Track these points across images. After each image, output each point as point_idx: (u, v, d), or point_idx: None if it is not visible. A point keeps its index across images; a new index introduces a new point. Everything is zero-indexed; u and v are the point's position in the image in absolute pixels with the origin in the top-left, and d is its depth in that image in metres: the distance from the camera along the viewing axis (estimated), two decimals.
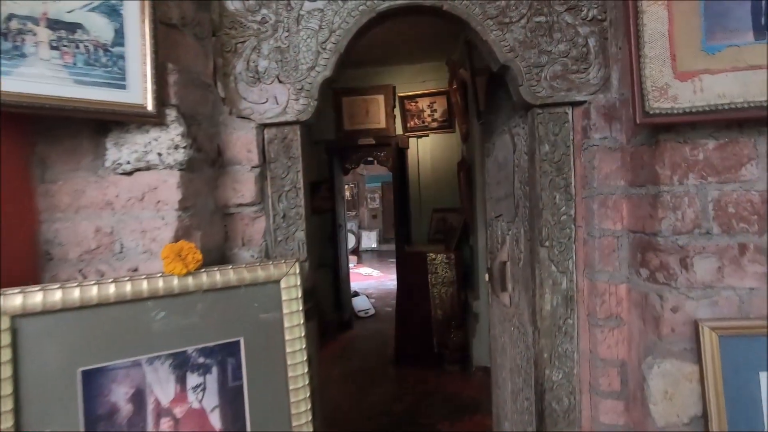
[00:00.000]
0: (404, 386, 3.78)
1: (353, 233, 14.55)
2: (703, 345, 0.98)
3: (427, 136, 5.05)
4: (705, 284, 1.01)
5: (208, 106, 1.20)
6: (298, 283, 1.15)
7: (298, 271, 1.15)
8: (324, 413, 1.52)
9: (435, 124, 4.98)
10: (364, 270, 10.11)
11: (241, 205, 1.23)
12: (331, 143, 5.13)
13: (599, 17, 1.21)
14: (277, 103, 1.23)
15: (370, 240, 14.79)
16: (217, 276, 1.06)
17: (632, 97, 0.95)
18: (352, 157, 5.29)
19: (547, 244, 1.24)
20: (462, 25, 1.26)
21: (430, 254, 4.02)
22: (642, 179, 1.08)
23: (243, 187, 1.22)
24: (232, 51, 1.24)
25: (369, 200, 15.24)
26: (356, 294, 6.31)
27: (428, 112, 4.96)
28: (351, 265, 10.94)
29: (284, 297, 1.14)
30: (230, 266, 1.08)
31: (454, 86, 4.31)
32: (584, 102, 1.21)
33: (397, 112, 5.04)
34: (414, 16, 1.35)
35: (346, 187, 15.24)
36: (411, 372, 4.05)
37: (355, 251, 14.28)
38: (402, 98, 4.96)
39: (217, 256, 1.20)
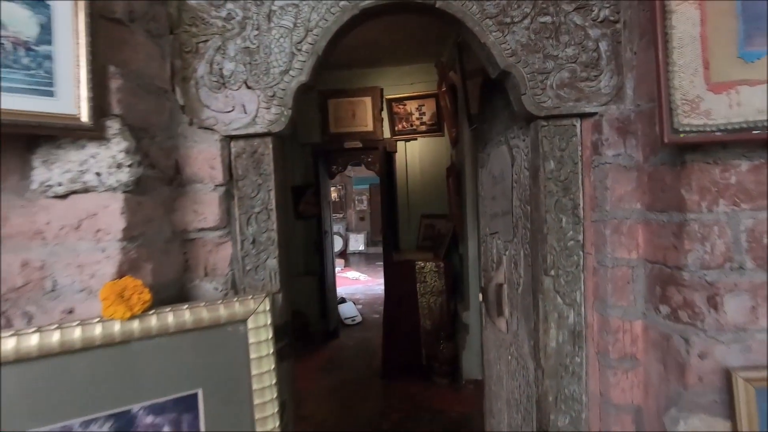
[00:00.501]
0: (391, 401, 3.63)
1: (341, 236, 14.37)
2: (737, 399, 0.84)
3: (416, 139, 4.91)
4: (737, 326, 0.88)
5: (164, 115, 1.03)
6: (269, 321, 0.99)
7: (268, 307, 0.99)
8: None
9: (423, 128, 4.85)
10: (352, 274, 9.94)
11: (203, 229, 1.06)
12: (317, 146, 4.96)
13: (611, 18, 1.07)
14: (245, 112, 1.06)
15: (357, 243, 14.62)
16: (170, 318, 0.89)
17: (659, 112, 0.81)
18: (338, 161, 5.13)
19: (552, 273, 1.09)
20: (457, 25, 1.11)
21: (419, 262, 3.88)
22: (663, 204, 0.95)
23: (205, 208, 1.05)
24: (193, 51, 1.07)
25: (357, 202, 15.08)
26: (343, 300, 6.14)
27: (416, 115, 4.82)
28: (338, 269, 10.77)
29: (252, 339, 0.97)
30: (186, 305, 0.92)
31: (443, 89, 4.18)
32: (594, 114, 1.07)
33: (384, 114, 4.89)
34: (402, 15, 1.20)
35: (333, 189, 15.07)
36: (399, 385, 3.90)
37: (343, 254, 14.10)
38: (390, 101, 4.82)
39: (175, 290, 1.03)
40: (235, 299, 0.97)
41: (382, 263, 11.32)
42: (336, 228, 14.62)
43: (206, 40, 1.07)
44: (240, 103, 1.06)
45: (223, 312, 0.94)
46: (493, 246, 1.69)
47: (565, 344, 1.10)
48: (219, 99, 1.06)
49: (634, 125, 1.03)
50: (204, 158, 1.05)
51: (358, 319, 5.81)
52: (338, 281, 8.88)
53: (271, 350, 0.99)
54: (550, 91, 1.06)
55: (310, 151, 4.99)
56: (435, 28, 3.55)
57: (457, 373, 3.90)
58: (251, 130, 1.07)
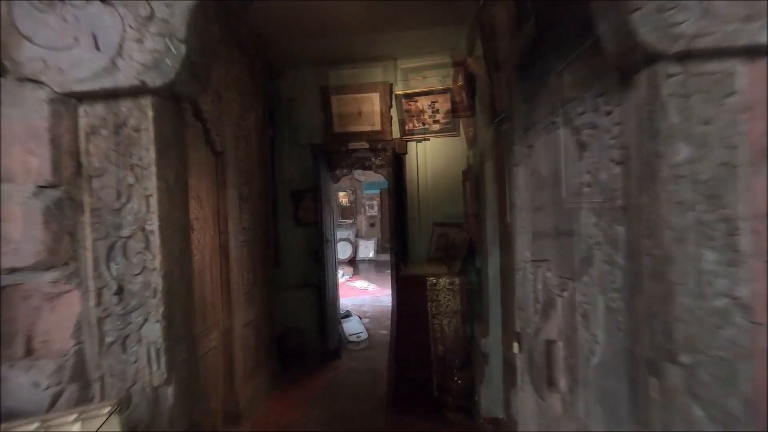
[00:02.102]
0: None
1: (350, 242, 13.90)
2: None
3: (428, 140, 4.39)
4: None
5: None
6: None
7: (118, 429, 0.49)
8: None
9: (437, 127, 4.33)
10: (360, 283, 9.43)
11: (16, 270, 0.57)
12: (318, 147, 4.47)
13: None
14: (99, 48, 0.57)
15: (367, 249, 14.12)
16: None
17: None
18: (342, 163, 4.63)
19: (684, 359, 0.57)
20: None
21: (431, 278, 3.34)
22: None
23: (16, 230, 0.56)
24: None
25: (367, 207, 14.60)
26: (348, 315, 5.62)
27: (429, 112, 4.31)
28: (346, 277, 10.27)
29: None
30: None
31: (460, 83, 3.67)
32: None
33: (393, 112, 4.39)
34: None
35: (343, 194, 14.62)
36: (405, 420, 3.36)
37: (352, 261, 13.61)
38: (399, 97, 4.31)
39: None
40: (71, 414, 0.47)
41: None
42: (345, 234, 14.17)
43: None
44: (88, 32, 0.56)
45: None
46: (538, 279, 1.16)
47: None
48: (50, 23, 0.57)
49: None
50: (17, 137, 0.55)
51: (364, 336, 5.28)
52: (345, 291, 8.40)
53: None
54: (693, 5, 0.54)
55: (310, 152, 4.51)
56: None
57: (474, 409, 3.35)
58: (109, 83, 0.56)
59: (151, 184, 0.60)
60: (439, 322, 3.31)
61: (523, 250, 1.30)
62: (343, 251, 13.67)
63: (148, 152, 0.60)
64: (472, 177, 3.34)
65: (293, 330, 4.33)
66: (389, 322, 6.18)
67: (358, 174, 14.43)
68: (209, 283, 2.71)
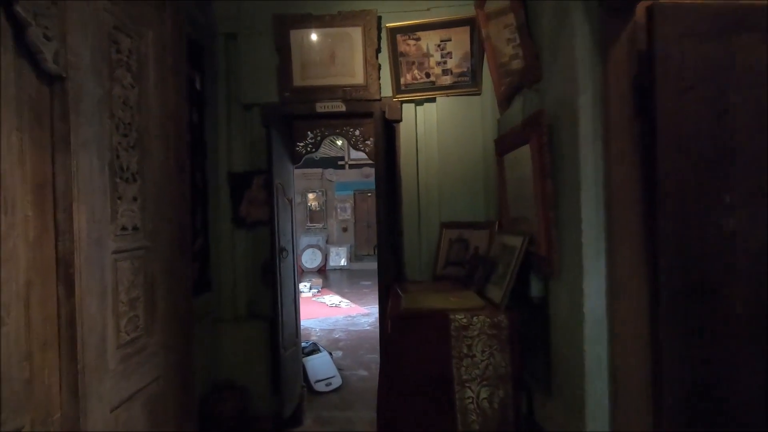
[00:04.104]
0: None
1: (320, 249, 12.37)
2: None
3: (433, 100, 3.00)
4: None
5: None
6: None
7: None
8: None
9: (448, 80, 2.94)
10: (330, 299, 7.91)
11: None
12: (271, 110, 3.00)
13: None
14: None
15: (339, 257, 12.65)
16: None
17: None
18: (306, 133, 3.16)
19: None
20: None
21: (458, 315, 1.93)
22: None
23: None
24: None
25: (339, 211, 13.12)
26: (313, 350, 4.13)
27: (437, 57, 2.92)
28: (314, 291, 8.73)
29: None
30: None
31: (487, 9, 2.31)
32: None
33: (383, 57, 2.98)
34: None
35: (312, 195, 13.07)
36: None
37: (321, 271, 12.08)
38: (393, 32, 2.90)
39: None
40: None
41: (368, 282, 9.32)
42: (315, 240, 12.61)
43: None
44: None
45: None
46: None
47: None
48: None
49: None
50: None
51: (337, 382, 3.81)
52: (312, 310, 6.86)
53: None
54: None
55: (260, 117, 3.03)
56: None
57: None
58: None
59: None
60: (473, 393, 1.89)
61: None
62: (312, 260, 12.12)
63: None
64: (524, 139, 1.96)
65: (230, 389, 2.80)
66: (369, 356, 4.69)
67: (329, 174, 12.94)
68: (13, 337, 1.21)
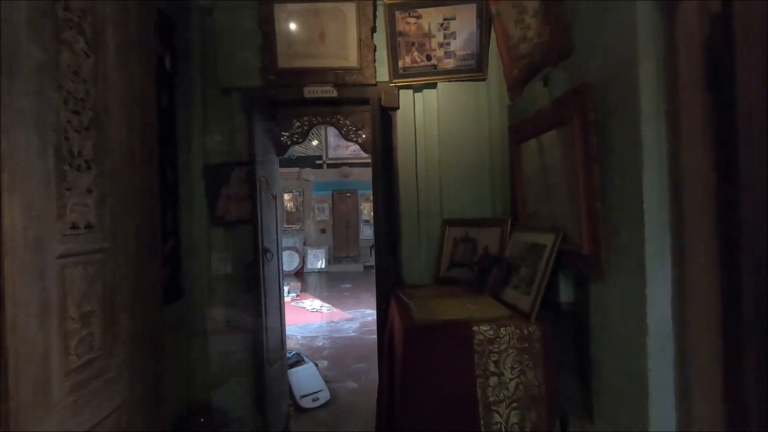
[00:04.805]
0: None
1: (297, 251, 11.94)
2: None
3: (434, 86, 2.73)
4: None
5: None
6: None
7: None
8: None
9: (450, 63, 2.67)
10: (310, 303, 7.54)
11: None
12: (254, 94, 2.66)
13: None
14: None
15: (317, 259, 12.25)
16: None
17: None
18: (293, 122, 2.83)
19: None
20: None
21: (482, 327, 1.64)
22: None
23: None
24: None
25: (317, 212, 12.73)
26: (298, 361, 3.78)
27: (439, 37, 2.64)
28: (294, 295, 8.31)
29: None
30: None
31: None
32: None
33: (379, 38, 2.69)
34: None
35: (288, 196, 12.61)
36: None
37: (299, 274, 11.66)
38: (391, 8, 2.61)
39: None
40: None
41: (348, 285, 8.97)
42: (291, 242, 12.16)
43: None
44: None
45: None
46: None
47: None
48: None
49: None
50: None
51: (324, 396, 3.48)
52: (292, 316, 6.47)
53: None
54: None
55: (241, 102, 2.68)
56: None
57: None
58: None
59: None
60: (501, 421, 1.61)
61: None
62: (289, 262, 11.67)
63: None
64: (562, 119, 1.70)
65: (206, 413, 2.44)
66: (357, 365, 4.37)
67: (307, 173, 12.52)
68: None
